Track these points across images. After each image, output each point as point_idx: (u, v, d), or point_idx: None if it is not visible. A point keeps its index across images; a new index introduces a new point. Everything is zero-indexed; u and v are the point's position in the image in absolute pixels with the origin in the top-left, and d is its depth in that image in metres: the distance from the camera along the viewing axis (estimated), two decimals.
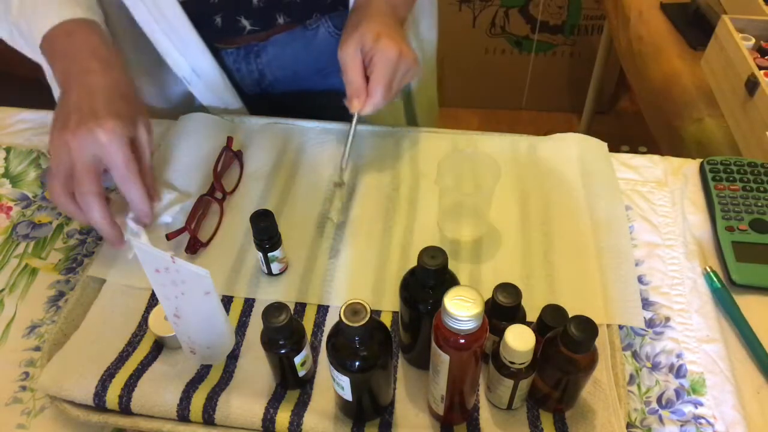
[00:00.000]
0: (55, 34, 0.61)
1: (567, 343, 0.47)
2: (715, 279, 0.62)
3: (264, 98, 0.85)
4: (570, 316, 0.48)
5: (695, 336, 0.59)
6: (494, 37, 2.03)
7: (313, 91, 0.86)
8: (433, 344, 0.45)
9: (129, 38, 0.72)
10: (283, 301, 0.51)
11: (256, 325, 0.59)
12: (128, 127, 0.58)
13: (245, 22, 0.74)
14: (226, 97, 0.80)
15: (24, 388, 0.57)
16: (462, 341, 0.43)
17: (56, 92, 0.69)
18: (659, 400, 0.55)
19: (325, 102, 0.80)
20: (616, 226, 0.66)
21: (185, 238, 0.65)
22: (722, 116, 1.06)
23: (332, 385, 0.49)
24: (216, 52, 0.77)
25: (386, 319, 0.59)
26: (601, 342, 0.56)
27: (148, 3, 0.68)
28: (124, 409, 0.52)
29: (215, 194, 0.69)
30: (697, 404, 0.55)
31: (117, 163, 0.56)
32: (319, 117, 0.80)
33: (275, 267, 0.62)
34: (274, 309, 0.49)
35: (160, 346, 0.57)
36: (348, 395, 0.48)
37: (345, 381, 0.46)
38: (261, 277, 0.63)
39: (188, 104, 0.82)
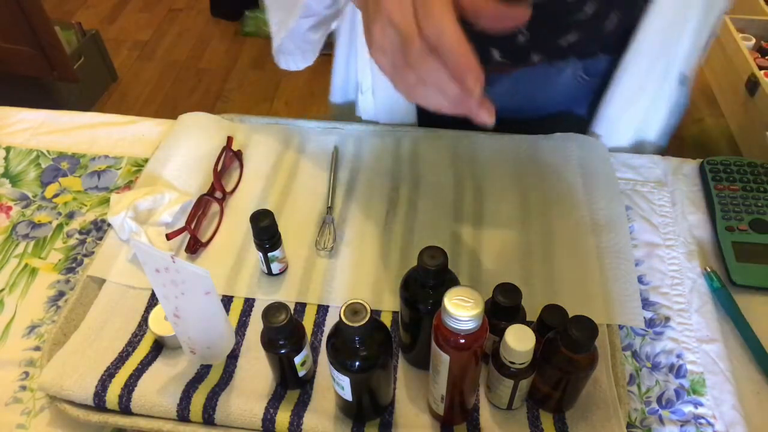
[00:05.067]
0: None
1: (567, 343, 0.47)
2: (715, 279, 0.62)
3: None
4: (570, 316, 0.48)
5: (695, 336, 0.59)
6: None
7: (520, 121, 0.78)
8: (433, 344, 0.45)
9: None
10: (283, 301, 0.51)
11: (256, 325, 0.59)
12: None
13: (495, 54, 0.67)
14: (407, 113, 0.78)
15: (24, 388, 0.57)
16: (462, 341, 0.43)
17: None
18: (659, 400, 0.55)
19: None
20: (616, 226, 0.66)
21: (185, 238, 0.66)
22: (722, 116, 1.06)
23: (332, 385, 0.49)
24: None
25: (386, 319, 0.59)
26: (601, 342, 0.56)
27: None
28: (124, 409, 0.52)
29: (215, 194, 0.69)
30: (697, 404, 0.55)
31: None
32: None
33: (275, 267, 0.62)
34: (274, 309, 0.49)
35: (160, 346, 0.57)
36: (348, 395, 0.48)
37: (345, 381, 0.46)
38: (261, 277, 0.63)
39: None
